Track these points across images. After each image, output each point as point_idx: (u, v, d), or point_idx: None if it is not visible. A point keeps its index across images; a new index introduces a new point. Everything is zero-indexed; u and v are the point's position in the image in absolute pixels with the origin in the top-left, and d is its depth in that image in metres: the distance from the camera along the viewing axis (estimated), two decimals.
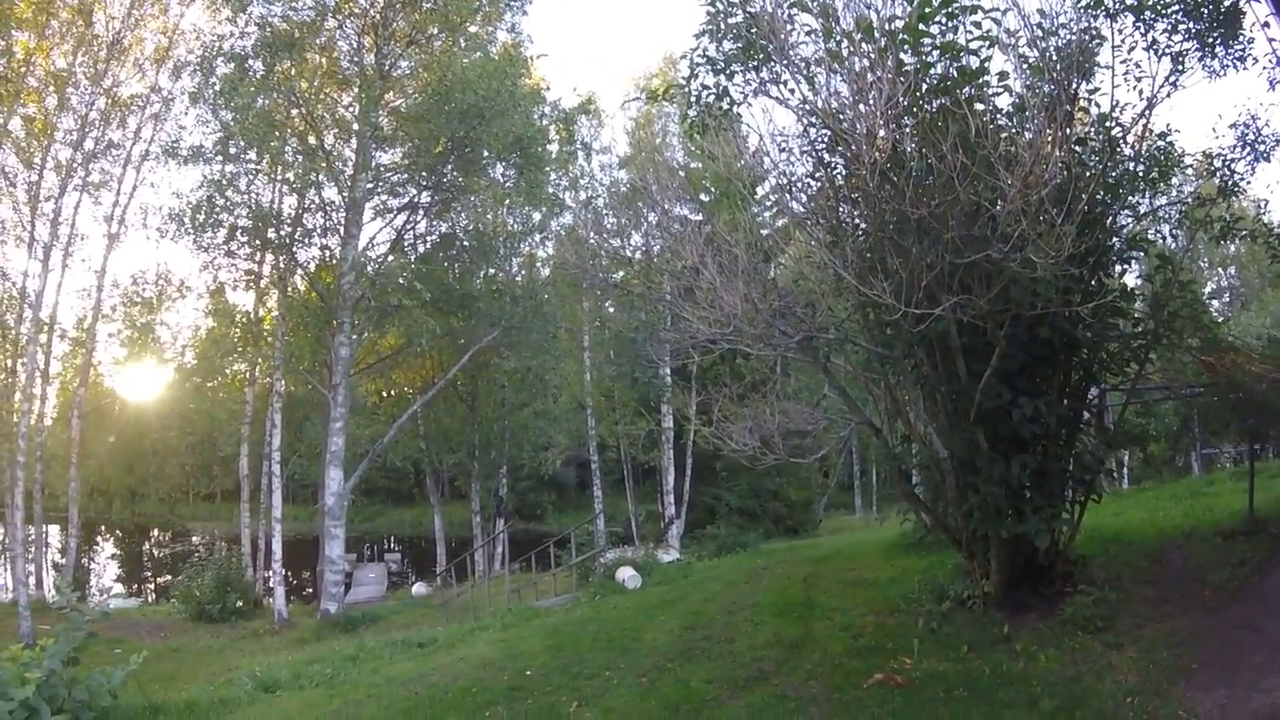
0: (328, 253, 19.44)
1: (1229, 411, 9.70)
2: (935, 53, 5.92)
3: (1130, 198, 7.93)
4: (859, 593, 9.18)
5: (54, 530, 28.75)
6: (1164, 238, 10.47)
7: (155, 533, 43.74)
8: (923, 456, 7.96)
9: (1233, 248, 32.29)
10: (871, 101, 5.16)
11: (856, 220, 6.65)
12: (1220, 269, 36.84)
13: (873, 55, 5.35)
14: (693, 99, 7.69)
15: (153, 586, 30.50)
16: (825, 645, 7.26)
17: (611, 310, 26.86)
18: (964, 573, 8.10)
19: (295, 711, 7.28)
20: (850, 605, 8.58)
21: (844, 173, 6.92)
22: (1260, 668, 5.40)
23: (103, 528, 41.73)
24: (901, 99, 5.06)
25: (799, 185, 7.45)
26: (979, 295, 5.40)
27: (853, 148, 5.42)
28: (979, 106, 5.92)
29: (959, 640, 6.81)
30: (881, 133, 5.00)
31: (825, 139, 6.94)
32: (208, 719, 7.54)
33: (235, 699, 8.16)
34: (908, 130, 5.44)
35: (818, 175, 7.32)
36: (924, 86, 5.73)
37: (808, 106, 6.39)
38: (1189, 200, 9.20)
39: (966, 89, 5.75)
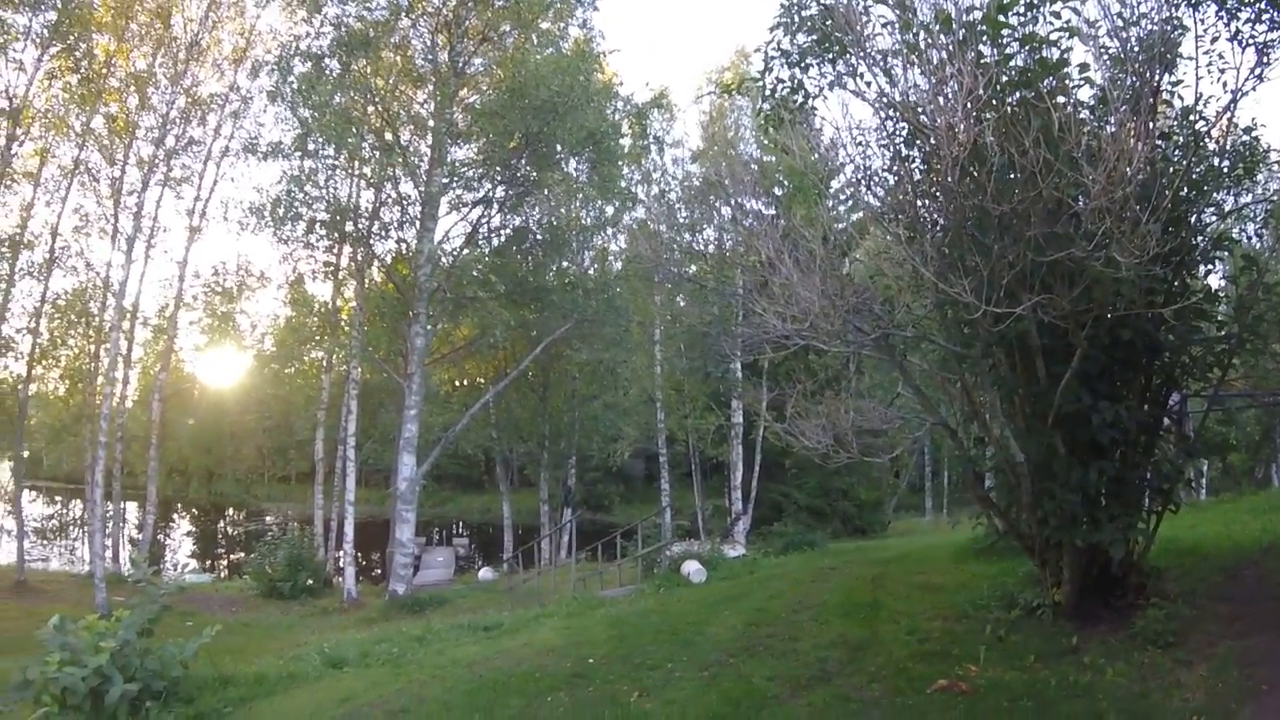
0: (404, 245, 19.86)
1: None
2: (1015, 44, 5.78)
3: (1215, 195, 7.60)
4: (927, 597, 9.02)
5: (132, 507, 29.92)
6: (1249, 237, 10.03)
7: (230, 512, 45.13)
8: (997, 460, 7.77)
9: None
10: (950, 94, 5.05)
11: (935, 216, 6.51)
12: None
13: (951, 47, 5.24)
14: (767, 92, 7.64)
15: (226, 563, 31.50)
16: (890, 648, 7.15)
17: (683, 304, 26.83)
18: (1034, 581, 7.91)
19: (361, 688, 7.47)
20: (917, 609, 8.43)
21: (922, 167, 6.81)
22: None
23: (179, 506, 43.21)
24: (981, 92, 4.94)
25: (876, 180, 7.34)
26: (1060, 295, 5.24)
27: (931, 141, 5.32)
28: (1060, 100, 5.75)
29: (1026, 649, 6.64)
30: (961, 126, 4.89)
31: (903, 133, 6.83)
32: (275, 692, 7.78)
33: (303, 674, 8.42)
34: (988, 124, 5.30)
35: (895, 170, 7.21)
36: (1004, 79, 5.59)
37: (885, 99, 6.30)
38: (1275, 198, 8.79)
39: (1047, 81, 5.59)
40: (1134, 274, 4.79)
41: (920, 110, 5.57)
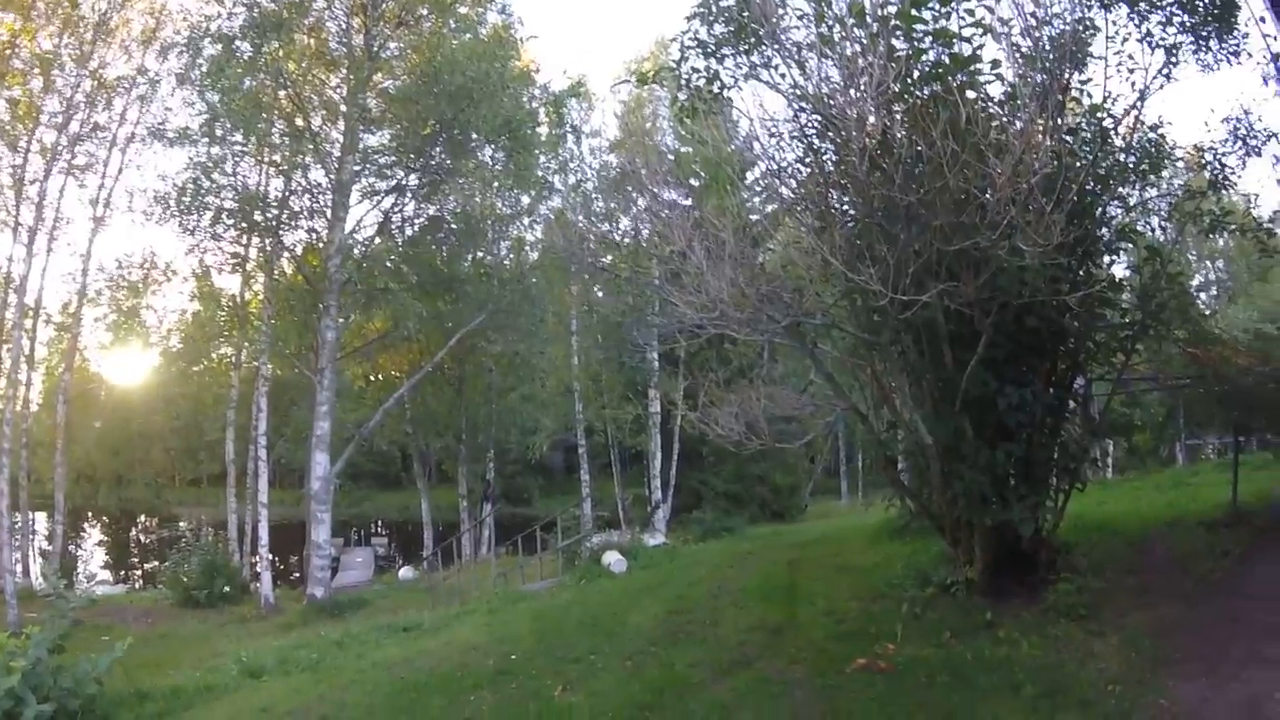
0: (314, 236, 19.31)
1: (1214, 403, 9.77)
2: (928, 39, 5.90)
3: (1120, 189, 7.93)
4: (843, 578, 9.21)
5: (40, 517, 28.57)
6: (1153, 230, 10.51)
7: (142, 518, 43.47)
8: (908, 443, 7.98)
9: (1221, 241, 32.42)
10: (862, 87, 5.13)
11: (845, 206, 6.63)
12: (1209, 262, 36.98)
13: (864, 40, 5.32)
14: (683, 82, 7.65)
15: (140, 572, 30.33)
16: (809, 630, 7.28)
17: (600, 295, 26.81)
18: (947, 559, 8.12)
19: (281, 696, 7.26)
20: (835, 590, 8.60)
21: (834, 159, 6.91)
22: (1241, 659, 5.45)
23: (89, 514, 41.42)
24: (893, 85, 5.04)
25: (788, 171, 7.42)
26: (966, 283, 5.39)
27: (843, 133, 5.40)
28: (970, 94, 5.90)
29: (942, 626, 6.81)
30: (872, 118, 4.97)
31: (816, 125, 6.92)
32: (193, 705, 7.53)
33: (221, 685, 8.16)
34: (898, 116, 5.41)
35: (807, 161, 7.30)
36: (915, 73, 5.71)
37: (798, 91, 6.36)
38: (1179, 193, 9.21)
39: (958, 76, 5.73)
40: (1038, 263, 4.95)
41: (832, 102, 5.64)
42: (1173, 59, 7.62)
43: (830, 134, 6.61)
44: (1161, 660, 5.62)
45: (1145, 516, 10.55)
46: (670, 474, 27.28)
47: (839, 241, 5.49)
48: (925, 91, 5.73)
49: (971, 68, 5.96)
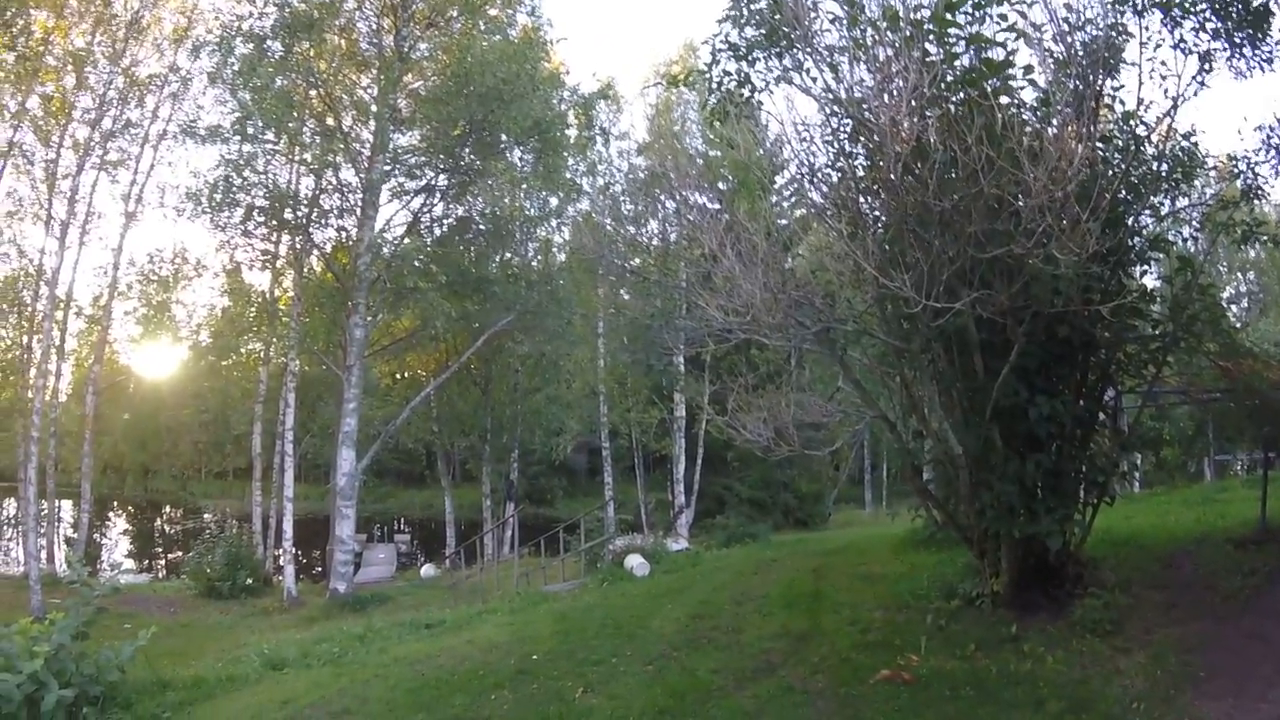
0: (344, 234, 19.46)
1: (1245, 418, 9.59)
2: (961, 44, 5.84)
3: (1152, 198, 7.81)
4: (868, 587, 9.13)
5: (67, 505, 28.97)
6: (1184, 240, 10.34)
7: (167, 509, 43.94)
8: (936, 453, 7.90)
9: (1253, 253, 31.87)
10: (895, 91, 5.08)
11: (877, 212, 6.57)
12: (1240, 274, 36.43)
13: (898, 44, 5.28)
14: (713, 85, 7.62)
15: (164, 563, 30.61)
16: (833, 639, 7.22)
17: (627, 297, 26.82)
18: (973, 571, 8.03)
19: (302, 689, 7.31)
20: (859, 600, 8.54)
21: (865, 164, 6.86)
22: (1269, 678, 5.36)
23: (115, 504, 41.98)
24: (926, 89, 4.98)
25: (819, 175, 7.37)
26: (999, 291, 5.32)
27: (875, 138, 5.35)
28: (1004, 100, 5.83)
29: (966, 639, 6.75)
30: (905, 123, 4.92)
31: (847, 129, 6.87)
32: (215, 695, 7.60)
33: (243, 676, 8.24)
34: (932, 122, 5.36)
35: (839, 165, 7.26)
36: (949, 78, 5.65)
37: (830, 95, 6.32)
38: (1211, 202, 9.05)
39: (991, 81, 5.67)
40: (1072, 271, 4.88)
41: (865, 106, 5.59)
42: (1206, 66, 7.46)
43: (862, 138, 6.58)
44: (1188, 678, 5.54)
45: (1173, 532, 10.36)
46: (694, 479, 27.22)
47: (871, 247, 5.42)
48: (959, 97, 5.66)
49: (1005, 73, 5.89)
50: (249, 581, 18.90)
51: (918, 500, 9.17)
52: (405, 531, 38.11)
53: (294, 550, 19.88)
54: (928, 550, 10.88)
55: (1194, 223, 9.22)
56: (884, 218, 6.31)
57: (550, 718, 5.84)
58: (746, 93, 7.71)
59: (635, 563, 13.12)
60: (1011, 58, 5.95)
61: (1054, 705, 5.35)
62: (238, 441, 30.09)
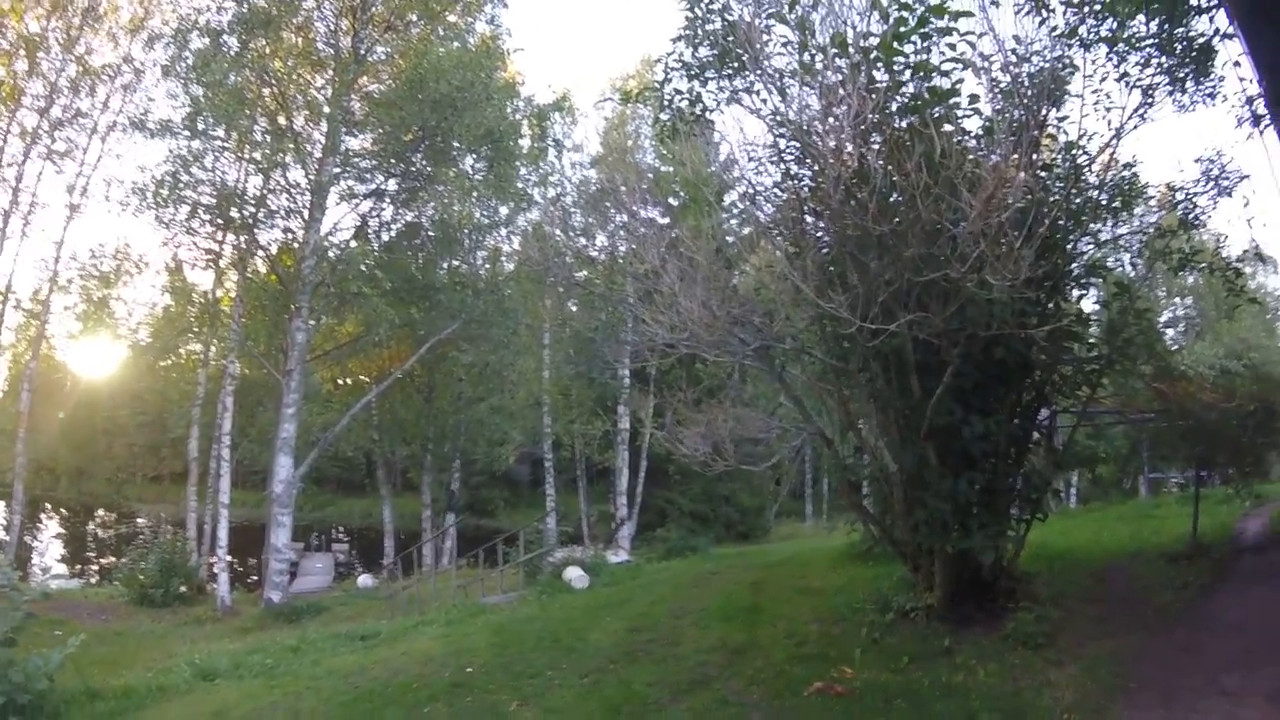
0: (290, 236, 19.10)
1: (1179, 438, 9.91)
2: (908, 72, 5.99)
3: (1092, 225, 8.06)
4: (805, 600, 9.22)
5: None
6: (1123, 266, 10.65)
7: (101, 513, 42.46)
8: (873, 469, 8.04)
9: (1190, 279, 32.99)
10: (840, 116, 5.19)
11: (819, 234, 6.69)
12: (1178, 299, 37.60)
13: (845, 70, 5.39)
14: (665, 102, 7.70)
15: (97, 568, 29.60)
16: (769, 651, 7.28)
17: (574, 309, 26.76)
18: (908, 585, 8.17)
19: (234, 701, 7.16)
20: (796, 613, 8.62)
21: (810, 186, 6.98)
22: (1199, 689, 5.50)
23: (48, 506, 40.56)
24: (871, 115, 5.10)
25: (766, 195, 7.50)
26: (935, 314, 5.45)
27: (820, 161, 5.45)
28: (948, 128, 5.99)
29: (900, 651, 6.86)
30: (848, 147, 5.03)
31: (794, 151, 7.00)
32: (145, 706, 7.43)
33: (174, 686, 8.05)
34: (875, 147, 5.48)
35: (784, 186, 7.38)
36: (894, 104, 5.78)
37: (778, 118, 6.43)
38: (1149, 230, 9.37)
39: (936, 109, 5.82)
40: (1006, 295, 5.02)
41: (811, 130, 5.70)
42: (1149, 99, 7.76)
43: (808, 161, 6.69)
44: (1118, 689, 5.68)
45: (1107, 547, 10.66)
46: (636, 491, 27.14)
47: (811, 268, 5.52)
48: (903, 124, 5.80)
49: (950, 101, 6.05)
50: (183, 589, 18.37)
51: (855, 515, 9.29)
52: (344, 540, 37.35)
53: (229, 558, 19.38)
54: (865, 564, 10.97)
55: (1132, 249, 9.53)
56: (826, 239, 6.42)
57: None
58: (698, 111, 7.81)
59: (574, 575, 13.07)
60: (957, 86, 6.10)
61: (986, 717, 5.45)
62: (174, 445, 29.30)
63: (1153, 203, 9.90)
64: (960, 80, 6.24)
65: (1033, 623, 6.94)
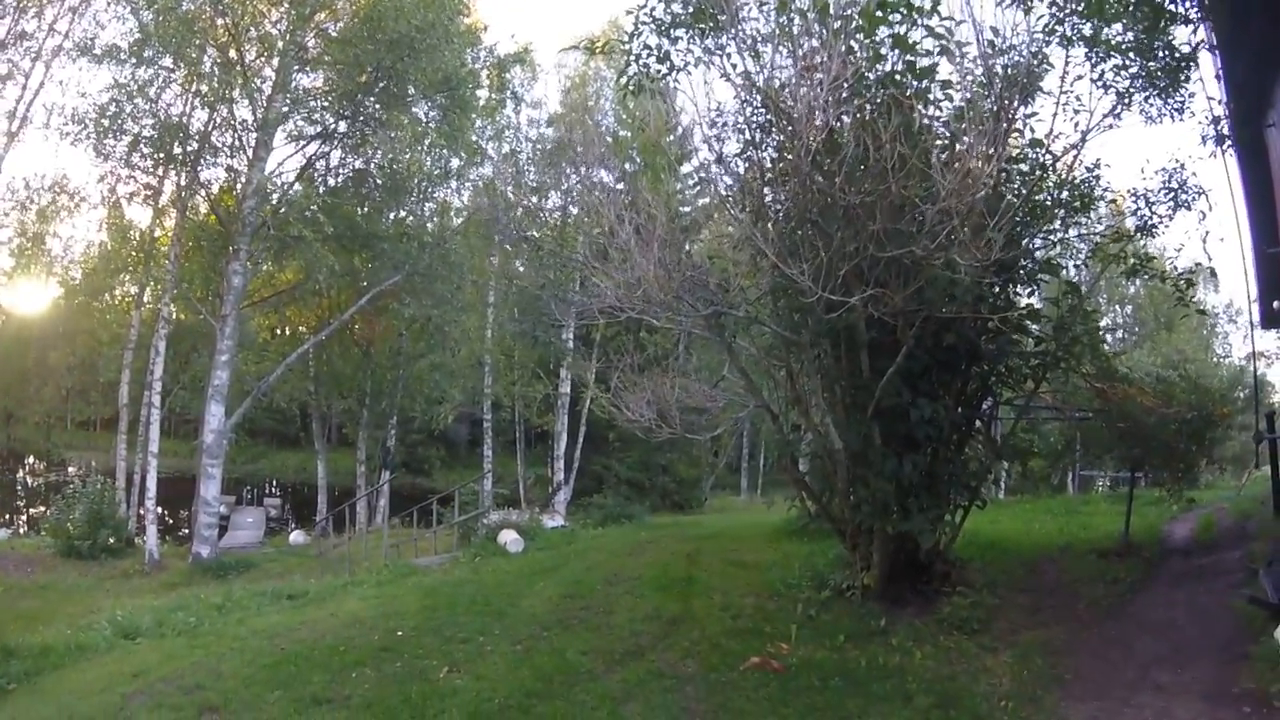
0: (233, 175, 18.35)
1: (1116, 438, 10.07)
2: (888, 43, 5.84)
3: (1049, 223, 8.09)
4: (740, 574, 9.23)
5: None
6: (1075, 267, 10.76)
7: (30, 460, 41.22)
8: (815, 445, 8.01)
9: (1132, 289, 33.82)
10: (816, 82, 5.02)
11: (782, 202, 6.54)
12: (1118, 306, 38.48)
13: (824, 36, 5.21)
14: (632, 57, 7.45)
15: (25, 518, 28.66)
16: (704, 624, 7.25)
17: (521, 269, 26.34)
18: (844, 563, 8.25)
19: (155, 661, 6.85)
20: (731, 586, 8.62)
21: (774, 154, 6.83)
22: (1133, 684, 5.58)
23: None
24: (848, 82, 4.94)
25: (728, 162, 7.32)
26: (894, 291, 5.35)
27: (789, 127, 5.29)
28: (922, 108, 5.87)
29: (836, 629, 6.88)
30: (821, 114, 4.87)
31: (761, 117, 6.82)
32: (63, 666, 7.11)
33: (93, 645, 7.71)
34: (848, 117, 5.33)
35: (746, 155, 7.22)
36: (870, 76, 5.64)
37: (749, 82, 6.24)
38: (1104, 234, 9.46)
39: (914, 85, 5.69)
40: (970, 279, 4.94)
41: (785, 93, 5.53)
42: (1124, 103, 7.78)
43: (775, 129, 6.53)
44: (1054, 680, 5.75)
45: (1037, 539, 10.86)
46: (574, 456, 26.97)
47: (772, 234, 5.36)
48: (879, 96, 5.65)
49: (928, 80, 5.92)
50: (111, 541, 17.72)
51: (793, 491, 9.28)
52: (276, 495, 36.70)
53: (160, 510, 18.75)
54: (800, 540, 11.11)
55: (1085, 251, 9.62)
56: (790, 207, 6.27)
57: (412, 699, 5.60)
58: (665, 70, 7.58)
59: (510, 539, 12.87)
60: (935, 66, 5.98)
61: (922, 700, 5.46)
62: (106, 390, 28.28)
63: (1111, 206, 9.99)
64: (937, 64, 6.13)
65: (968, 608, 7.04)
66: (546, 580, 9.34)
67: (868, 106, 5.43)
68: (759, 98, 6.39)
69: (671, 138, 25.78)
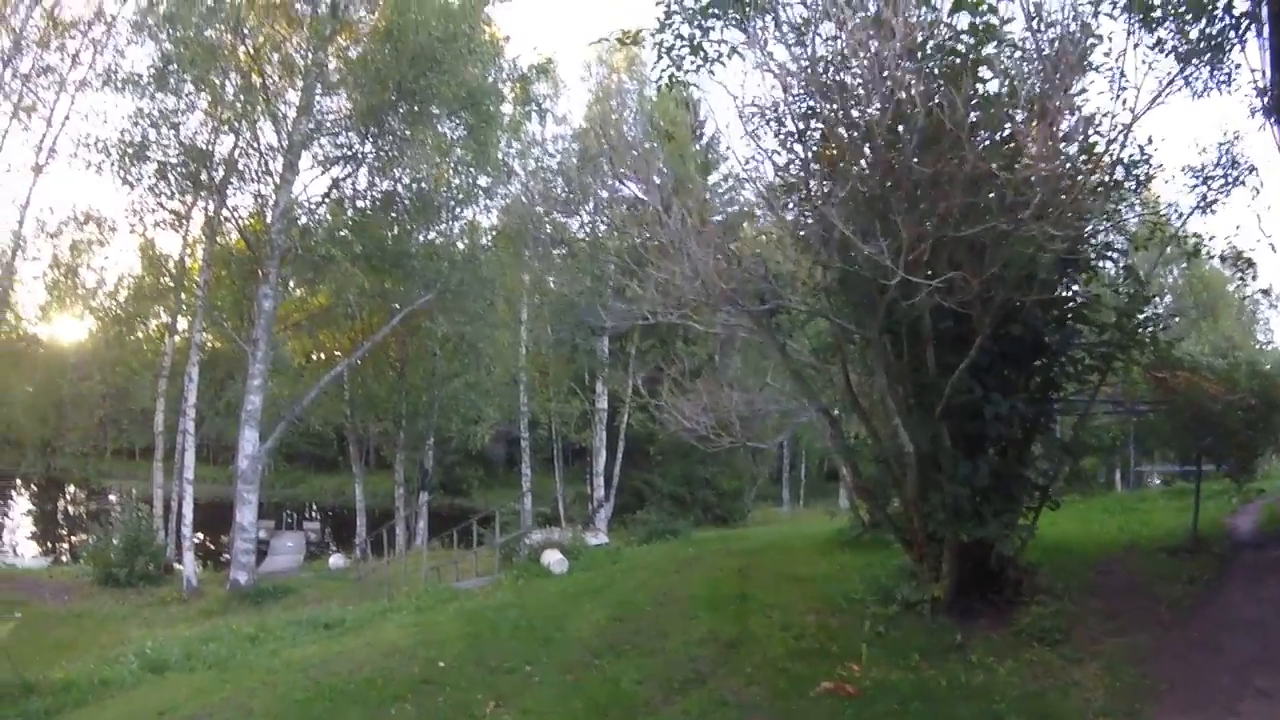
0: (260, 199, 18.32)
1: (1181, 429, 9.63)
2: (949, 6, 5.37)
3: (1111, 204, 7.61)
4: (797, 589, 8.77)
5: None
6: (1128, 251, 10.29)
7: (71, 489, 41.85)
8: (877, 450, 7.53)
9: (1170, 277, 33.02)
10: (876, 50, 4.54)
11: (843, 187, 6.08)
12: (1158, 298, 37.71)
13: (878, 5, 4.76)
14: (664, 49, 7.08)
15: (67, 546, 29.00)
16: (765, 645, 6.80)
17: (553, 284, 26.16)
18: (908, 574, 7.77)
19: (182, 698, 6.55)
20: (788, 602, 8.15)
21: (818, 143, 6.38)
22: (1232, 690, 5.17)
23: (18, 481, 39.86)
24: (923, 40, 4.46)
25: (768, 155, 6.88)
26: (971, 275, 4.85)
27: (846, 105, 4.84)
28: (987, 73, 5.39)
29: (909, 646, 6.40)
30: (890, 79, 4.40)
31: (803, 106, 6.39)
32: (86, 702, 6.88)
33: (119, 680, 7.48)
34: (913, 85, 4.84)
35: (790, 144, 6.78)
36: (931, 43, 5.16)
37: (794, 65, 5.79)
38: (1161, 213, 8.97)
39: (984, 48, 5.20)
40: (1051, 257, 4.47)
41: (843, 65, 5.06)
42: (1183, 68, 7.27)
43: (820, 114, 6.09)
44: (1147, 691, 5.33)
45: (1100, 540, 10.41)
46: (614, 472, 26.69)
47: (840, 215, 4.87)
48: (942, 62, 5.18)
49: (1001, 38, 5.42)
50: (149, 568, 17.67)
51: (839, 499, 8.84)
52: (315, 519, 36.85)
53: (200, 536, 18.73)
54: (855, 551, 10.68)
55: (1141, 233, 9.12)
56: (855, 187, 5.78)
57: None
58: (698, 62, 7.20)
59: (553, 559, 12.50)
60: (1001, 27, 5.50)
61: None
62: (141, 418, 28.50)
63: (1169, 184, 9.49)
64: (1008, 19, 5.64)
65: (1049, 617, 6.59)
66: (593, 602, 8.92)
67: (935, 69, 4.95)
68: (801, 83, 5.97)
69: (697, 146, 25.55)
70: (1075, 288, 7.49)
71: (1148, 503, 14.78)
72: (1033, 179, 4.08)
